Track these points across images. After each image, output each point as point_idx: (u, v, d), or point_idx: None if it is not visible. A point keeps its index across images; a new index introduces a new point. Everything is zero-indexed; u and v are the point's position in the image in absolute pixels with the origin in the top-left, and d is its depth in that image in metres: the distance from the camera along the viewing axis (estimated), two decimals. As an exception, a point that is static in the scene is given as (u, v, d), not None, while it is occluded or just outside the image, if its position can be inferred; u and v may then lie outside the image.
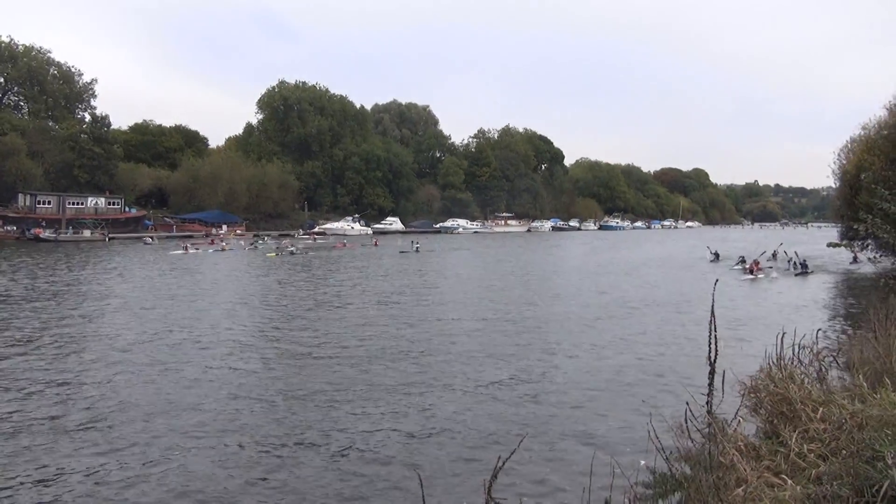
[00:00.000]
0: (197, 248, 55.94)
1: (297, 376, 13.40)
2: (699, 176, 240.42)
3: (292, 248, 55.28)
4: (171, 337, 17.45)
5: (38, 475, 8.37)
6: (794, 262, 38.64)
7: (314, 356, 15.27)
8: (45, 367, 13.89)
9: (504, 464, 4.65)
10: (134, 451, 9.19)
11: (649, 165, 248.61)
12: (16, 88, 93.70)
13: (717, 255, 47.52)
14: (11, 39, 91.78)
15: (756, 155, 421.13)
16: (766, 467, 5.67)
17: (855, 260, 43.10)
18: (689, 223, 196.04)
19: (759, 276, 34.82)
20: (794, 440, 6.02)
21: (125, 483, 8.17)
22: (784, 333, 9.08)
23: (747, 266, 37.27)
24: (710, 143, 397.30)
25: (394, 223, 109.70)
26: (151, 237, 71.33)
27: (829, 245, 41.67)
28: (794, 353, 9.10)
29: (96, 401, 11.50)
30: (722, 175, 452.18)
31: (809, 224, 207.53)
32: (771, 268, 39.10)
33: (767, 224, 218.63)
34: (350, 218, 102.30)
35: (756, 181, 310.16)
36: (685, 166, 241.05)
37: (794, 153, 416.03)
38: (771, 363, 8.53)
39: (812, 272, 37.72)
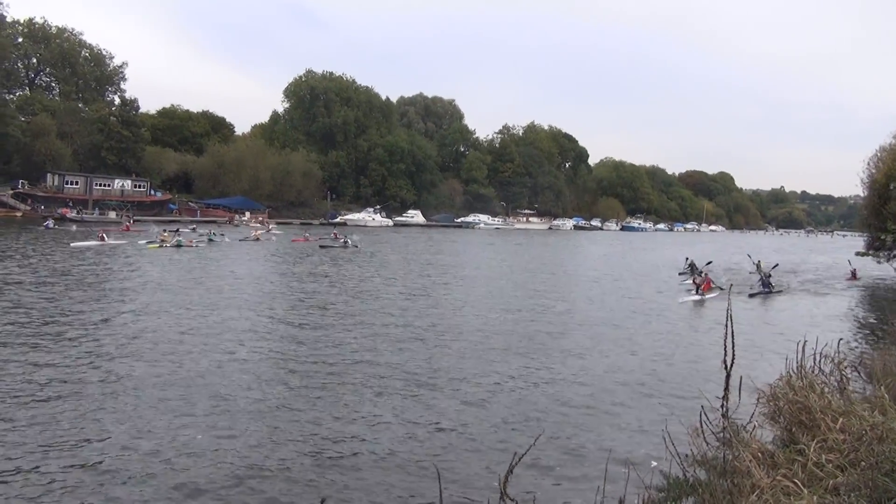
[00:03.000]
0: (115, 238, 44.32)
1: (306, 375, 13.46)
2: (724, 180, 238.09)
3: (179, 238, 43.16)
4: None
5: (68, 449, 8.53)
6: (761, 279, 30.70)
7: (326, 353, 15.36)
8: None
9: (519, 461, 4.67)
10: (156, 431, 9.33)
11: (674, 167, 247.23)
12: (48, 69, 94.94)
13: (691, 267, 35.12)
14: (45, 21, 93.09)
15: (783, 160, 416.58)
16: (783, 475, 5.64)
17: (853, 276, 38.53)
18: (712, 227, 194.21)
19: (710, 295, 27.06)
20: (812, 449, 5.99)
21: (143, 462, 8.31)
22: (805, 342, 9.00)
23: (695, 281, 28.77)
24: (737, 147, 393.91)
25: (415, 216, 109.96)
26: (53, 220, 58.09)
27: (858, 254, 41.15)
28: (814, 363, 9.03)
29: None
30: (748, 179, 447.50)
31: (834, 232, 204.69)
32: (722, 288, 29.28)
33: (791, 231, 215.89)
34: (371, 209, 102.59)
35: (782, 187, 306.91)
36: (711, 169, 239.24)
37: (822, 160, 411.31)
38: (791, 371, 8.47)
39: (778, 292, 30.26)
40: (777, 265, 35.75)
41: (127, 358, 13.26)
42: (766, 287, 29.56)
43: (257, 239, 53.60)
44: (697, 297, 26.31)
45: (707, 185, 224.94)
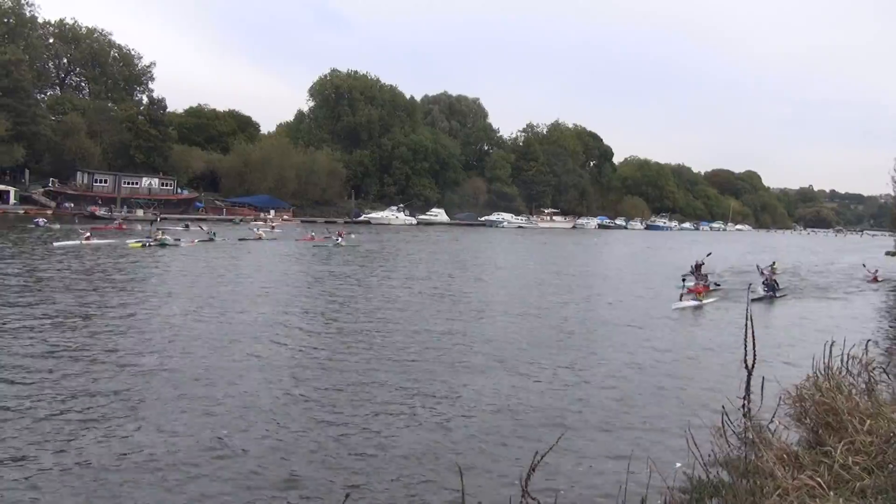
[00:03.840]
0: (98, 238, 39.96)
1: (328, 373, 13.57)
2: (751, 178, 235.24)
3: (165, 238, 40.27)
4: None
5: (97, 441, 8.70)
6: (765, 281, 28.56)
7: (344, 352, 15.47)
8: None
9: (541, 459, 4.69)
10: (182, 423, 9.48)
11: (700, 166, 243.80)
12: (78, 69, 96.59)
13: (696, 267, 31.34)
14: (75, 21, 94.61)
15: (811, 159, 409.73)
16: (808, 477, 5.62)
17: (874, 279, 36.46)
18: (738, 226, 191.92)
19: (707, 300, 25.14)
20: (839, 451, 5.95)
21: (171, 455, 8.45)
22: (833, 343, 8.92)
23: (688, 287, 25.57)
24: (764, 146, 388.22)
25: (439, 215, 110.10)
26: (45, 219, 55.51)
27: (888, 254, 40.41)
28: (842, 363, 8.94)
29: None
30: (775, 178, 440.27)
31: (864, 232, 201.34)
32: (718, 285, 29.43)
33: (819, 230, 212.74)
34: (395, 208, 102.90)
35: (811, 186, 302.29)
36: (737, 168, 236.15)
37: (851, 159, 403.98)
38: (818, 372, 8.39)
39: (784, 295, 28.42)
40: (772, 268, 35.07)
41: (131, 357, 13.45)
42: (770, 290, 27.32)
43: (259, 238, 50.92)
44: (694, 303, 24.05)
45: (733, 184, 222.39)
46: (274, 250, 42.77)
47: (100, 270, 27.05)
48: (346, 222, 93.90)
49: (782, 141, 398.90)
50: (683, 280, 26.20)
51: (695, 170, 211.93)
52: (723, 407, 6.80)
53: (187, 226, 57.09)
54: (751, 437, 6.45)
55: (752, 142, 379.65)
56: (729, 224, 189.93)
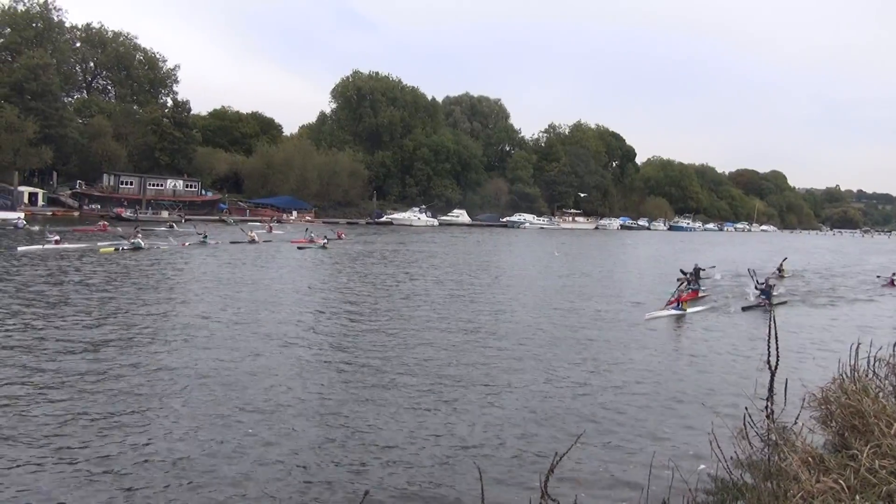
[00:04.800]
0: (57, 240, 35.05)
1: (348, 374, 13.63)
2: (776, 178, 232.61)
3: (137, 241, 36.71)
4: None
5: (125, 440, 8.82)
6: (757, 286, 25.15)
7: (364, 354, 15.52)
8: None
9: (560, 460, 4.68)
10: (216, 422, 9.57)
11: (724, 166, 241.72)
12: (104, 73, 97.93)
13: (695, 272, 28.39)
14: (102, 25, 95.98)
15: (838, 159, 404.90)
16: (833, 480, 5.54)
17: (892, 283, 33.75)
18: (763, 227, 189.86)
19: (693, 309, 22.43)
20: (865, 455, 5.86)
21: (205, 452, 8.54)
22: (859, 344, 8.78)
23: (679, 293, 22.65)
24: (789, 145, 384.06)
25: (460, 216, 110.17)
26: (24, 220, 51.76)
27: None
28: (868, 365, 8.81)
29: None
30: (801, 178, 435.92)
31: (892, 233, 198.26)
32: (704, 295, 26.52)
33: (846, 231, 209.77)
34: (417, 209, 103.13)
35: (837, 186, 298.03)
36: (762, 168, 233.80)
37: (879, 158, 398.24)
38: (843, 374, 8.28)
39: (783, 303, 25.37)
40: (779, 270, 34.20)
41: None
42: (765, 296, 24.24)
43: (252, 241, 46.57)
44: (676, 312, 21.49)
45: (758, 184, 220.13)
46: (265, 253, 39.48)
47: (42, 282, 23.09)
48: (367, 223, 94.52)
49: (808, 140, 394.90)
50: (682, 281, 24.51)
51: (719, 170, 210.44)
52: (745, 409, 6.73)
53: (172, 226, 55.81)
54: (774, 439, 6.39)
55: (777, 141, 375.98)
56: (754, 225, 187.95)
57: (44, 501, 7.23)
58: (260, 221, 74.10)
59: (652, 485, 6.63)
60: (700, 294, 25.60)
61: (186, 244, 41.20)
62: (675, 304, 21.88)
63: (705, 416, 10.48)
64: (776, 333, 6.40)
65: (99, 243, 36.71)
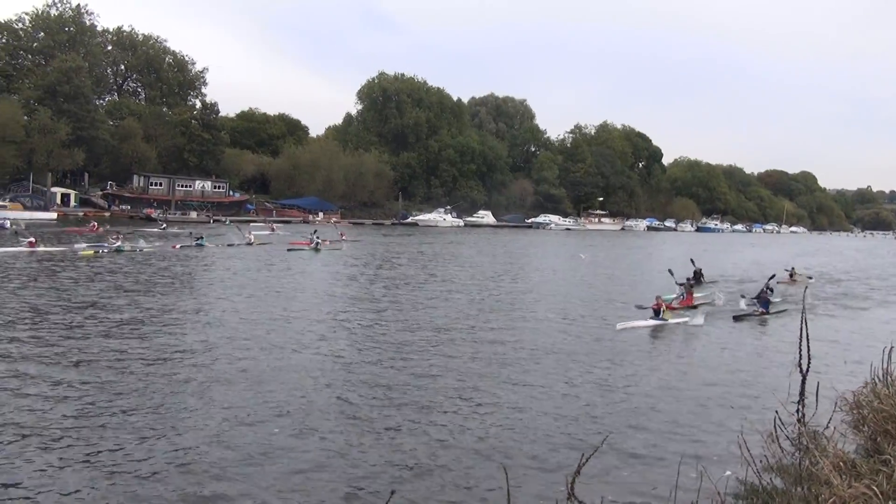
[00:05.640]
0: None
1: (377, 374, 13.72)
2: (806, 179, 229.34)
3: (118, 244, 34.92)
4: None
5: (158, 437, 9.00)
6: (759, 294, 23.04)
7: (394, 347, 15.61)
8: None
9: (587, 461, 4.70)
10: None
11: (753, 167, 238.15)
12: (134, 75, 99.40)
13: (695, 276, 28.91)
14: (132, 29, 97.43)
15: (870, 159, 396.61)
16: (865, 485, 5.51)
17: None
18: (793, 228, 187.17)
19: (677, 320, 19.75)
20: (897, 460, 5.82)
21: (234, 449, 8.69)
22: (892, 348, 8.69)
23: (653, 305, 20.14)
24: (819, 146, 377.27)
25: (486, 216, 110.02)
26: (10, 219, 48.80)
27: None
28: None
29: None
30: (831, 179, 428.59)
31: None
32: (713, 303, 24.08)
33: (878, 232, 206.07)
34: (442, 210, 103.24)
35: (869, 187, 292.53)
36: (792, 169, 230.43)
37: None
38: (876, 378, 8.20)
39: (782, 311, 23.00)
40: (790, 274, 32.80)
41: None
42: (763, 306, 21.98)
43: (250, 244, 43.87)
44: (655, 322, 19.04)
45: (788, 185, 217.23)
46: (258, 257, 36.80)
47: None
48: (393, 224, 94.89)
49: (839, 140, 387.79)
50: (684, 284, 23.47)
51: (747, 170, 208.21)
52: (776, 412, 6.69)
53: (164, 226, 54.83)
54: (805, 443, 6.35)
55: (807, 141, 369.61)
56: (783, 226, 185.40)
57: (66, 500, 7.39)
58: (264, 222, 72.26)
59: (679, 488, 6.62)
60: (696, 301, 23.42)
61: (178, 246, 39.32)
62: (656, 312, 19.34)
63: (734, 421, 10.43)
64: (808, 336, 6.35)
65: (76, 245, 34.95)
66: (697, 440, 9.91)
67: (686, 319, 19.90)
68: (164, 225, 56.12)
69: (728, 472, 7.70)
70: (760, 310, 21.74)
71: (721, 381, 13.57)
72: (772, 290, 23.90)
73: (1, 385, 10.95)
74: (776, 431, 6.48)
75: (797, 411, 6.54)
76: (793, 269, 34.32)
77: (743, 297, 23.11)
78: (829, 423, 6.89)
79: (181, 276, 27.05)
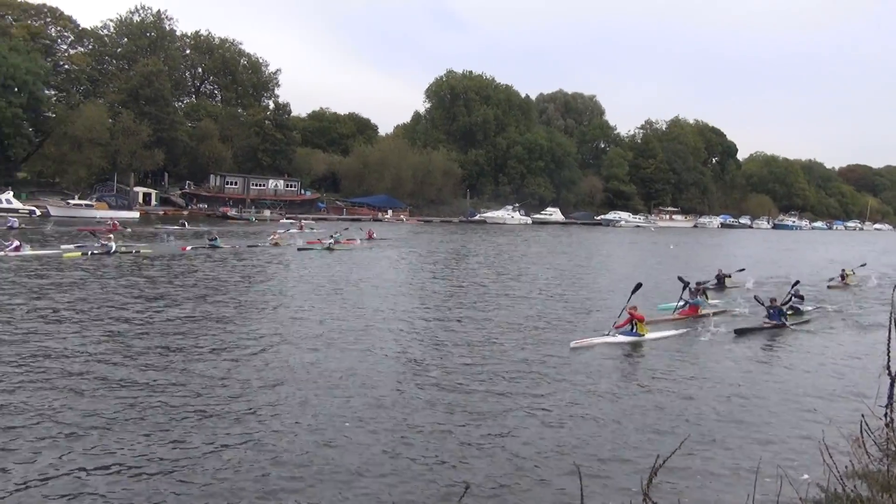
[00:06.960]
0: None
1: (446, 372, 13.84)
2: (892, 174, 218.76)
3: (109, 244, 32.04)
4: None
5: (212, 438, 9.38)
6: (790, 297, 21.24)
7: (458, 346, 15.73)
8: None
9: (663, 464, 4.70)
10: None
11: (834, 161, 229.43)
12: (211, 78, 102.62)
13: (719, 281, 27.69)
14: (209, 33, 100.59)
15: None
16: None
17: None
18: (877, 225, 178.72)
19: (655, 335, 17.01)
20: None
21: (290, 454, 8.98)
22: None
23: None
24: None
25: (554, 214, 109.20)
26: (16, 219, 45.51)
27: None
28: None
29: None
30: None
31: None
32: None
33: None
34: (510, 207, 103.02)
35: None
36: (876, 163, 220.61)
37: None
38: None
39: (805, 321, 20.48)
40: (842, 277, 30.10)
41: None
42: (776, 318, 18.89)
43: (276, 244, 40.78)
44: (630, 338, 16.29)
45: (871, 180, 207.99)
46: (279, 259, 34.06)
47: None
48: (461, 221, 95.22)
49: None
50: (692, 289, 20.96)
51: (828, 165, 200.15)
52: (862, 416, 6.51)
53: (184, 224, 53.22)
54: (894, 449, 6.18)
55: (892, 134, 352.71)
56: (866, 223, 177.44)
57: (138, 498, 7.73)
58: (295, 219, 69.87)
59: (757, 492, 6.53)
60: (702, 311, 20.58)
61: (187, 248, 36.00)
62: (624, 326, 16.56)
63: (815, 425, 10.17)
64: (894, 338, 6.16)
65: (63, 247, 32.66)
66: (777, 443, 9.72)
67: (670, 333, 17.59)
68: (185, 223, 54.25)
69: (804, 476, 7.54)
70: (773, 322, 18.83)
71: (808, 384, 13.23)
72: (801, 298, 22.07)
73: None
74: (863, 437, 6.31)
75: (885, 415, 6.34)
76: (843, 270, 31.58)
77: (761, 303, 19.59)
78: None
79: (163, 284, 23.27)
